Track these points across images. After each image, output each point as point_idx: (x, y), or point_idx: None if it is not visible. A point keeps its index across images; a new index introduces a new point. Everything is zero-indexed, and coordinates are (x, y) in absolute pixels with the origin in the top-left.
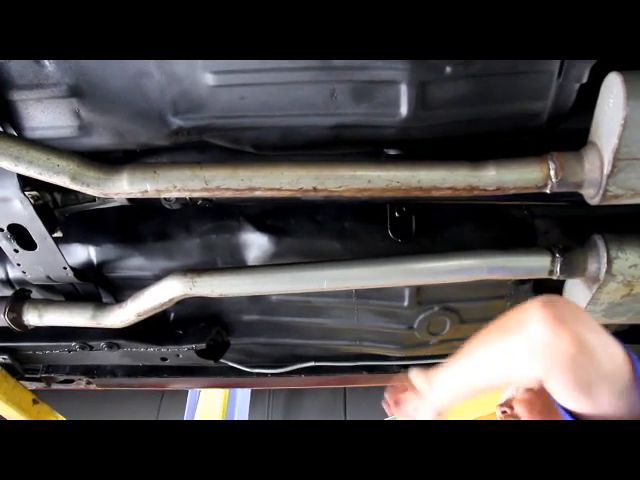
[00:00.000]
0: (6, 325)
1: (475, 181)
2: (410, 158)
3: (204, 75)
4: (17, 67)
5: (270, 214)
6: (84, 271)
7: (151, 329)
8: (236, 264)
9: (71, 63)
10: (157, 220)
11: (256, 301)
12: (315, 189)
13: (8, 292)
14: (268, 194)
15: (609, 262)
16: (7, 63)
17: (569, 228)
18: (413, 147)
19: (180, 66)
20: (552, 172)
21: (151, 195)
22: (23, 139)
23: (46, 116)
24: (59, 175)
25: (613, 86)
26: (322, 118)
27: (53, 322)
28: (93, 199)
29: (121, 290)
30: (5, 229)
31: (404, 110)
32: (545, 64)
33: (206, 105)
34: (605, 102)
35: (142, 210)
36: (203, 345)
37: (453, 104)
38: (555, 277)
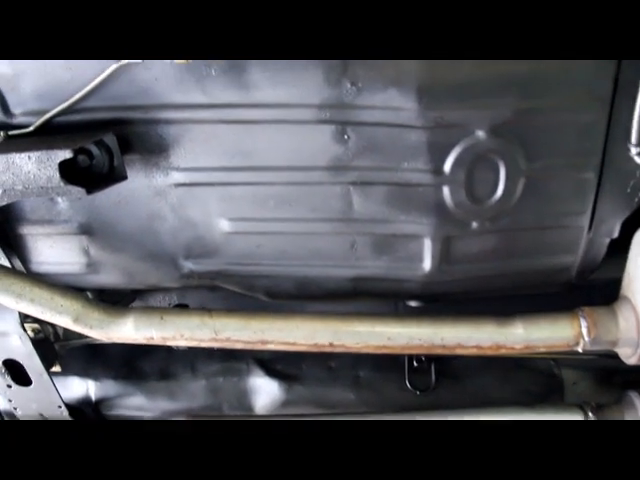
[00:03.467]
0: None
1: (502, 339)
2: (432, 313)
3: (219, 221)
4: (30, 203)
5: (281, 358)
6: (80, 408)
7: None
8: (243, 411)
9: (84, 202)
10: (161, 357)
11: None
12: (331, 345)
13: None
14: (281, 347)
15: None
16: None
17: (599, 379)
18: (436, 300)
19: (195, 211)
20: (584, 330)
21: (157, 342)
22: (27, 275)
23: (54, 251)
24: (62, 315)
25: None
26: (340, 269)
27: None
28: None
29: None
30: (0, 364)
31: (427, 264)
32: (574, 220)
33: (220, 251)
34: (638, 257)
35: (146, 346)
36: None
37: (479, 259)
38: None
